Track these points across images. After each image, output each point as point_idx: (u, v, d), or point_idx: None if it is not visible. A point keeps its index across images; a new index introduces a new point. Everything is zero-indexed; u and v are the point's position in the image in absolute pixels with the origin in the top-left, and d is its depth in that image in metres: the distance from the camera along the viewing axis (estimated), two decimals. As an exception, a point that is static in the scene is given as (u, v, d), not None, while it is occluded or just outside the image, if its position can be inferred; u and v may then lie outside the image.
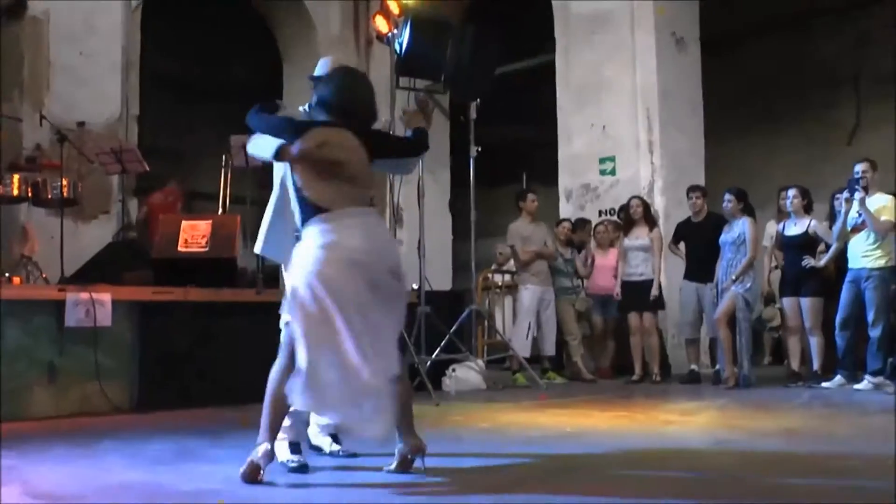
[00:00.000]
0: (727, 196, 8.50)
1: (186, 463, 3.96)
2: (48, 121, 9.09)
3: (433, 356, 7.99)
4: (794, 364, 8.48)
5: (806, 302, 8.30)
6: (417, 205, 8.34)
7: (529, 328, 9.26)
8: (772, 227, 9.31)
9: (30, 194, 8.31)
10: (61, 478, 3.94)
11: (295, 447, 4.14)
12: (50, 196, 8.36)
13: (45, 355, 6.34)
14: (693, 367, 8.98)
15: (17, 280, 7.70)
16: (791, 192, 8.46)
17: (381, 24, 8.25)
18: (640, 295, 9.03)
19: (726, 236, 8.42)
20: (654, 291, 8.95)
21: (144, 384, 6.72)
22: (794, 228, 8.41)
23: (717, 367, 8.67)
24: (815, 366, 8.28)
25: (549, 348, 9.41)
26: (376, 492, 3.67)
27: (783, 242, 8.58)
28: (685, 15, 11.04)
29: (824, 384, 7.98)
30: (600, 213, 10.79)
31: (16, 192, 8.21)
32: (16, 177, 8.27)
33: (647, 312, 9.04)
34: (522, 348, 9.11)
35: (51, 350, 6.35)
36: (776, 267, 9.22)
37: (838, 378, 7.97)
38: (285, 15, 13.36)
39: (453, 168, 13.17)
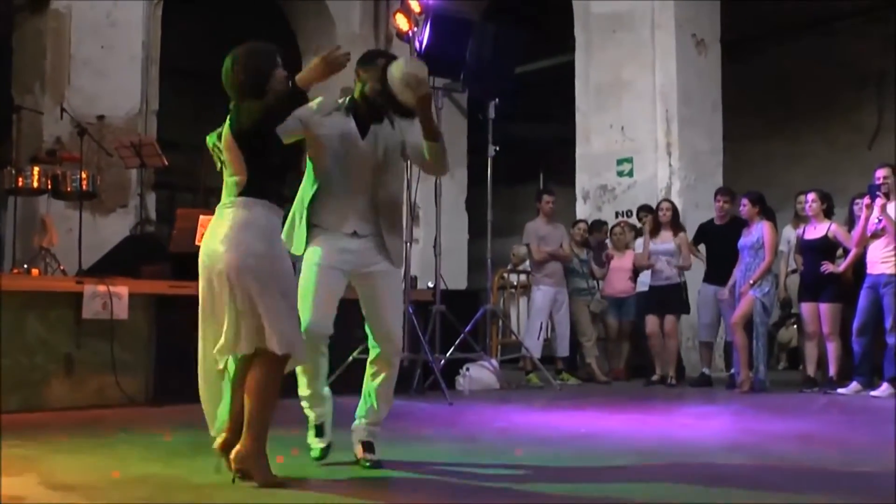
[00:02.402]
0: (743, 200, 8.47)
1: (202, 456, 3.97)
2: (68, 114, 9.15)
3: (447, 355, 7.99)
4: (810, 369, 8.44)
5: (824, 307, 8.25)
6: (434, 203, 8.33)
7: (542, 328, 9.25)
8: (789, 232, 9.26)
9: (49, 187, 8.36)
10: (78, 469, 3.97)
11: (319, 430, 4.19)
12: (69, 189, 8.40)
13: (62, 347, 6.38)
14: (705, 370, 8.95)
15: (35, 272, 7.74)
16: (810, 196, 8.41)
17: (401, 22, 8.25)
18: (664, 299, 8.99)
19: (744, 240, 8.38)
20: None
21: (160, 377, 6.75)
22: (814, 233, 8.37)
23: (733, 370, 8.64)
24: (832, 371, 8.24)
25: (564, 349, 9.40)
26: (392, 489, 3.68)
27: (802, 247, 8.53)
28: (706, 16, 10.99)
29: (840, 390, 7.94)
30: (617, 214, 10.75)
31: (36, 184, 8.26)
32: (36, 169, 8.32)
33: (671, 316, 9.00)
34: (535, 349, 9.10)
35: (68, 342, 6.39)
36: (794, 271, 9.18)
37: (854, 384, 7.92)
38: (305, 11, 13.39)
39: (470, 167, 13.17)
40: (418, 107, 3.87)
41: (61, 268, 8.25)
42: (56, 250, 8.61)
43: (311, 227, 4.06)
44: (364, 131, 4.07)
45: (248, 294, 3.54)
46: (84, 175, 8.41)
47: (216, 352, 3.61)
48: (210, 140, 3.85)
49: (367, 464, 4.04)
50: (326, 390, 4.22)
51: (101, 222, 9.60)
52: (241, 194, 3.64)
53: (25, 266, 7.99)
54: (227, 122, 3.72)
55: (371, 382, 4.20)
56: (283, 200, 3.82)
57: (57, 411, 6.09)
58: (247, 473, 3.55)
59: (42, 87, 10.16)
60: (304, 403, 4.18)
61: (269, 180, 3.72)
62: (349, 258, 4.03)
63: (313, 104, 4.02)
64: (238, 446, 3.55)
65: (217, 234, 3.63)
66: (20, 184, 8.22)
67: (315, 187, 4.06)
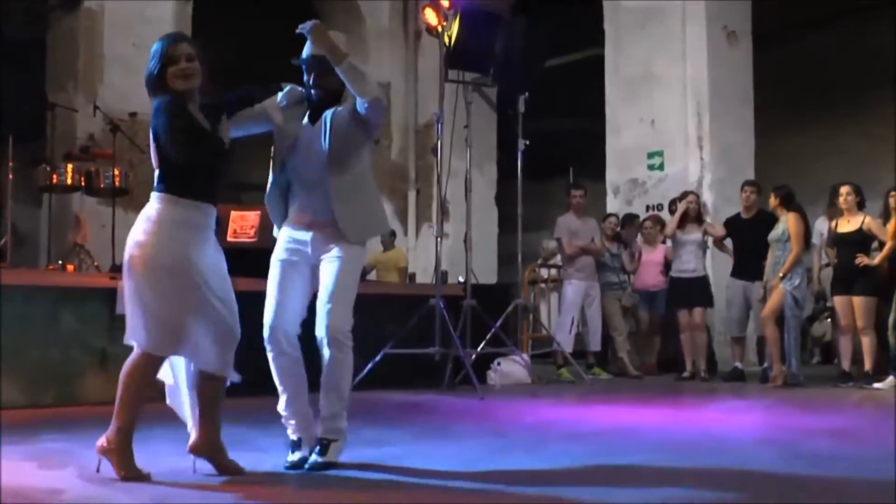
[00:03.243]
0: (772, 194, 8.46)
1: (235, 451, 4.00)
2: (101, 111, 9.23)
3: (478, 349, 8.00)
4: (845, 363, 8.36)
5: (858, 300, 8.17)
6: (465, 198, 8.33)
7: (573, 323, 9.23)
8: (822, 225, 9.18)
9: (83, 183, 8.44)
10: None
11: (296, 445, 3.99)
12: (102, 185, 8.48)
13: (97, 342, 6.45)
14: (737, 364, 8.90)
15: (70, 268, 7.83)
16: (844, 189, 8.33)
17: (430, 16, 8.26)
18: (690, 291, 8.95)
19: (773, 234, 8.32)
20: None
21: (193, 372, 6.79)
22: (847, 225, 8.28)
23: (765, 365, 8.58)
24: (867, 366, 8.16)
25: (595, 344, 9.38)
26: (424, 484, 3.69)
27: (835, 240, 8.45)
28: (736, 8, 10.90)
29: (875, 385, 7.85)
30: (648, 208, 10.71)
31: (69, 181, 8.35)
32: (69, 166, 8.41)
33: (697, 308, 8.96)
34: (566, 343, 9.09)
35: (103, 337, 6.45)
36: (827, 265, 9.09)
37: (890, 379, 7.84)
38: (334, 7, 13.41)
39: (500, 161, 13.16)
40: (311, 38, 3.87)
41: (95, 264, 8.34)
42: (90, 246, 8.70)
43: (281, 217, 4.05)
44: (315, 118, 3.99)
45: (129, 287, 3.58)
46: (116, 172, 8.49)
47: (126, 337, 3.67)
48: None
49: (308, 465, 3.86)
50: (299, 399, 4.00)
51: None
52: (154, 189, 3.65)
53: (60, 262, 8.09)
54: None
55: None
56: (212, 195, 3.67)
57: (92, 405, 6.16)
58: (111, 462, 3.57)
59: (75, 85, 10.27)
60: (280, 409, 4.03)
61: (183, 175, 3.60)
62: (306, 250, 3.95)
63: (279, 94, 4.03)
64: (105, 435, 3.59)
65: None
66: (54, 181, 8.31)
67: (280, 178, 4.03)
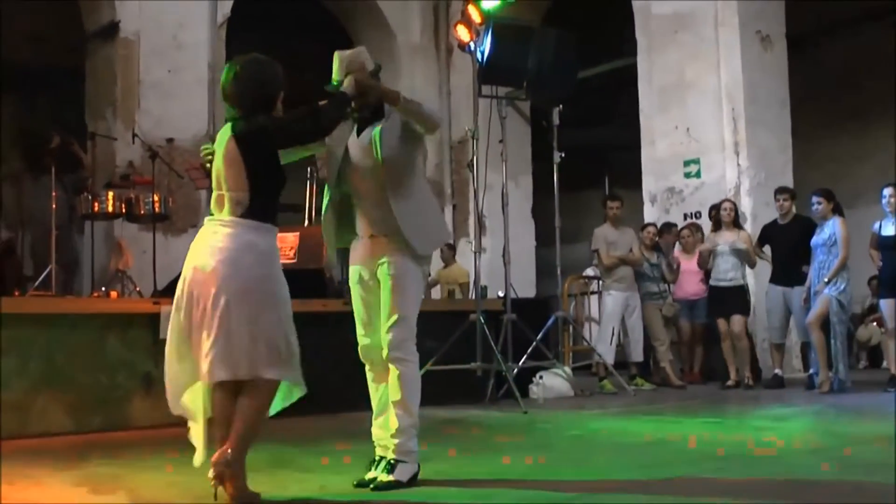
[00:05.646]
0: (815, 199, 8.31)
1: (280, 471, 4.03)
2: (139, 138, 9.35)
3: (520, 363, 7.97)
4: (893, 368, 8.22)
5: (905, 304, 8.04)
6: (501, 212, 8.32)
7: (614, 334, 9.17)
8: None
9: (123, 210, 8.55)
10: (162, 485, 4.05)
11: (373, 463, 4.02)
12: (142, 212, 8.59)
13: (142, 366, 6.51)
14: (777, 371, 8.79)
15: (113, 294, 7.93)
16: (887, 191, 8.20)
17: (462, 33, 8.28)
18: (727, 299, 8.87)
19: (817, 238, 8.22)
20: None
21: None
22: (892, 228, 8.16)
23: (811, 371, 8.46)
24: (916, 370, 8.02)
25: (637, 354, 9.31)
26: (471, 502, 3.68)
27: (879, 243, 8.33)
28: (770, 12, 10.81)
29: (925, 389, 7.72)
30: (685, 216, 10.63)
31: (110, 208, 8.47)
32: (110, 194, 8.53)
33: (736, 316, 8.87)
34: (608, 354, 9.03)
35: (147, 361, 6.51)
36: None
37: (940, 381, 7.70)
38: (365, 25, 13.50)
39: (535, 173, 13.13)
40: (354, 90, 3.84)
41: (137, 289, 8.44)
42: (132, 272, 8.81)
43: (343, 232, 4.09)
44: (360, 133, 4.02)
45: (246, 317, 3.43)
46: (156, 197, 8.59)
47: (207, 373, 3.45)
48: (206, 149, 3.73)
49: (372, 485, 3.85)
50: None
51: (173, 243, 9.78)
52: (243, 215, 3.51)
53: (104, 289, 8.20)
54: (229, 132, 3.58)
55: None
56: (277, 218, 3.70)
57: (139, 429, 6.22)
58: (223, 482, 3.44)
59: (114, 112, 10.43)
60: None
61: (272, 201, 3.61)
62: (368, 263, 4.01)
63: None
64: (219, 453, 3.44)
65: (212, 251, 3.49)
66: (96, 209, 8.43)
67: (336, 197, 4.06)
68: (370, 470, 3.94)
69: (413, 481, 3.88)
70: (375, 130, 3.97)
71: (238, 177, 3.52)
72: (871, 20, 13.23)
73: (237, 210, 3.51)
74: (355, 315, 4.07)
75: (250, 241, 3.49)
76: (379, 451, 3.99)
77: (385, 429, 3.96)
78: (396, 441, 3.90)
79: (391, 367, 3.92)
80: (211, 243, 3.52)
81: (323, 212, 4.10)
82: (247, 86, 3.60)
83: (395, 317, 3.90)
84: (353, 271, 4.08)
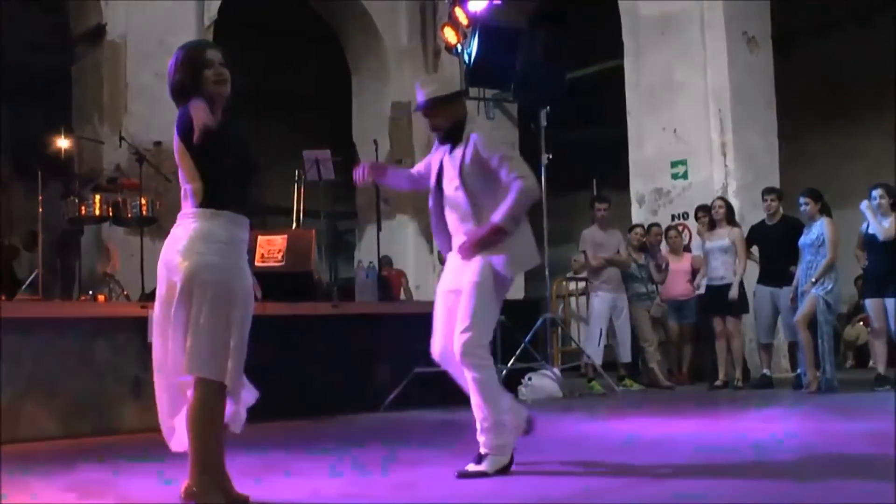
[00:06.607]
0: (802, 199, 8.33)
1: (272, 475, 4.02)
2: (127, 141, 9.32)
3: (508, 365, 7.98)
4: (880, 367, 8.26)
5: (891, 303, 8.07)
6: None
7: (601, 335, 9.19)
8: None
9: (110, 214, 8.51)
10: (152, 490, 4.03)
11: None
12: (130, 215, 8.55)
13: (130, 370, 6.49)
14: (765, 371, 8.83)
15: (101, 298, 7.90)
16: (876, 192, 8.23)
17: (449, 35, 8.30)
18: (722, 298, 8.89)
19: (805, 238, 8.25)
20: (733, 293, 8.78)
21: (225, 398, 6.82)
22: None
23: (799, 371, 8.50)
24: (903, 368, 8.07)
25: (625, 355, 9.33)
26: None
27: (866, 242, 8.37)
28: (756, 13, 10.87)
29: (912, 387, 7.76)
30: (673, 217, 10.66)
31: (97, 212, 8.42)
32: (97, 197, 8.48)
33: (730, 316, 8.90)
34: (596, 356, 9.05)
35: (136, 365, 6.49)
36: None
37: (927, 380, 7.75)
38: (353, 29, 13.50)
39: (523, 176, 13.12)
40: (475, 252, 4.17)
41: (125, 293, 8.40)
42: (119, 276, 8.77)
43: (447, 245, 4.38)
44: (452, 147, 4.30)
45: (194, 311, 3.28)
46: (143, 201, 8.55)
47: (186, 369, 3.31)
48: None
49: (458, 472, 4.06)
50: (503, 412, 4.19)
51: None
52: (200, 205, 3.37)
53: (91, 293, 8.16)
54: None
55: None
56: (248, 205, 3.50)
57: (128, 434, 6.19)
58: None
59: (100, 116, 10.39)
60: None
61: (228, 187, 3.41)
62: (452, 277, 4.28)
63: None
64: (187, 481, 3.31)
65: (172, 242, 3.39)
66: (83, 212, 8.39)
67: (437, 208, 4.36)
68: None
69: (503, 472, 4.05)
70: (457, 154, 4.25)
71: (189, 168, 3.41)
72: (857, 20, 13.30)
73: (195, 201, 3.39)
74: (434, 320, 4.28)
75: (204, 229, 3.34)
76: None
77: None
78: (483, 438, 4.09)
79: (468, 372, 4.09)
80: (172, 236, 3.43)
81: (433, 221, 4.41)
82: (170, 79, 3.57)
83: (467, 322, 4.07)
84: (441, 281, 4.37)
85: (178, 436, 3.46)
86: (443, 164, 4.31)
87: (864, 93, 13.25)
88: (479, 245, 4.11)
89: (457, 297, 4.18)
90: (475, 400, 4.08)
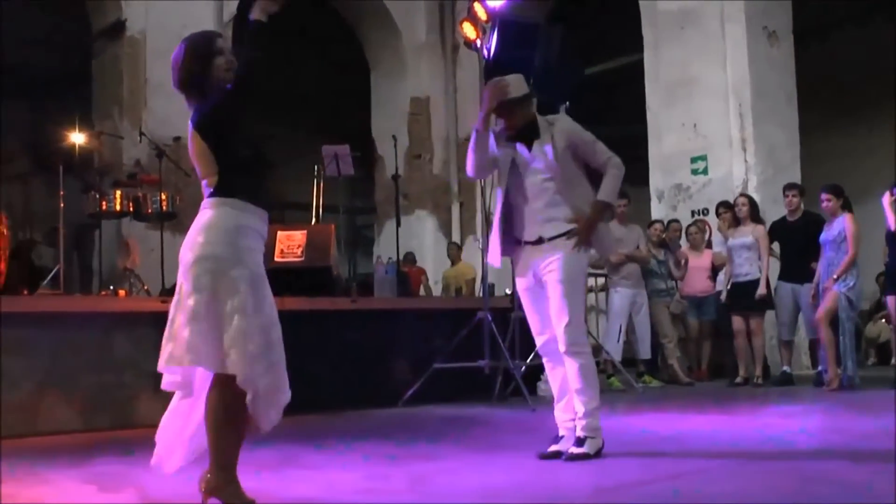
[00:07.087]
0: (824, 195, 8.24)
1: (289, 469, 4.03)
2: (146, 137, 9.36)
3: (528, 361, 7.95)
4: (902, 364, 8.20)
5: (912, 299, 8.01)
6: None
7: (620, 331, 9.15)
8: None
9: (131, 209, 8.57)
10: (171, 483, 4.04)
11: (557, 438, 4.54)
12: (150, 210, 8.60)
13: (150, 365, 6.45)
14: (786, 368, 8.77)
15: (121, 293, 7.94)
16: (897, 188, 8.15)
17: (468, 30, 8.27)
18: (745, 295, 8.81)
19: (826, 234, 8.18)
20: (762, 290, 8.69)
21: (245, 392, 6.85)
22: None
23: (819, 368, 8.44)
24: (926, 366, 7.99)
25: (645, 351, 9.29)
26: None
27: (887, 238, 8.29)
28: (777, 7, 10.80)
29: (935, 384, 7.69)
30: (693, 213, 10.61)
31: (118, 207, 8.49)
32: (118, 192, 8.54)
33: (755, 313, 8.83)
34: (615, 351, 9.01)
35: (155, 360, 6.47)
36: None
37: (949, 377, 7.67)
38: (371, 24, 13.51)
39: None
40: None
41: (145, 288, 8.44)
42: (139, 271, 8.81)
43: (509, 240, 4.52)
44: (527, 143, 4.49)
45: (205, 301, 3.21)
46: (163, 196, 8.60)
47: (165, 361, 3.34)
48: None
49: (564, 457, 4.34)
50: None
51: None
52: (211, 195, 3.30)
53: (111, 287, 8.20)
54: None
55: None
56: (263, 198, 3.40)
57: (146, 428, 6.21)
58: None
59: (120, 112, 10.44)
60: None
61: (240, 176, 3.32)
62: (529, 272, 4.47)
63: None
64: (207, 475, 3.30)
65: (186, 238, 3.32)
66: (104, 207, 8.44)
67: (506, 204, 4.53)
68: (552, 444, 4.49)
69: (598, 454, 4.39)
70: (545, 144, 4.45)
71: (204, 159, 3.34)
72: (878, 14, 13.18)
73: (208, 193, 3.34)
74: (529, 319, 4.59)
75: (210, 217, 3.26)
76: (561, 430, 4.53)
77: (565, 411, 4.51)
78: (584, 422, 4.39)
79: (571, 361, 4.39)
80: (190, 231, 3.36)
81: (495, 220, 4.56)
82: (178, 73, 3.51)
83: (566, 317, 4.35)
84: (520, 279, 4.54)
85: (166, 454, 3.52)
86: (515, 161, 4.47)
87: (885, 87, 13.12)
88: (594, 225, 4.38)
89: (542, 289, 4.42)
90: (578, 385, 4.37)
